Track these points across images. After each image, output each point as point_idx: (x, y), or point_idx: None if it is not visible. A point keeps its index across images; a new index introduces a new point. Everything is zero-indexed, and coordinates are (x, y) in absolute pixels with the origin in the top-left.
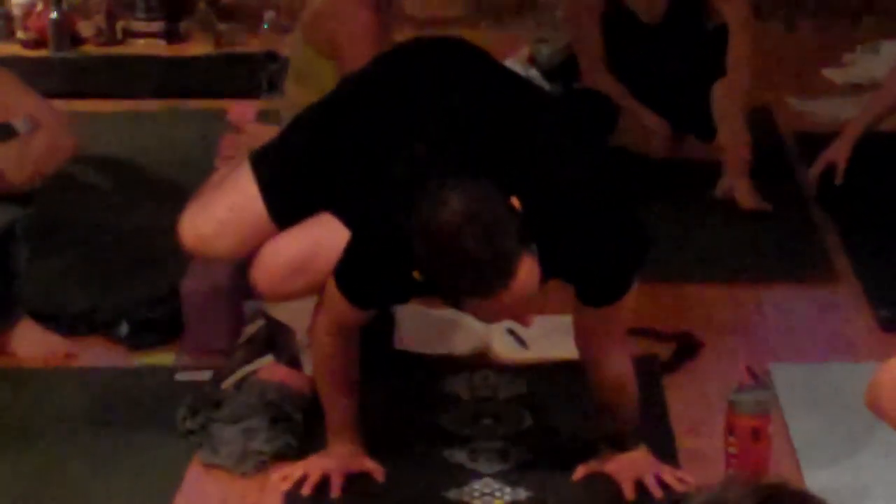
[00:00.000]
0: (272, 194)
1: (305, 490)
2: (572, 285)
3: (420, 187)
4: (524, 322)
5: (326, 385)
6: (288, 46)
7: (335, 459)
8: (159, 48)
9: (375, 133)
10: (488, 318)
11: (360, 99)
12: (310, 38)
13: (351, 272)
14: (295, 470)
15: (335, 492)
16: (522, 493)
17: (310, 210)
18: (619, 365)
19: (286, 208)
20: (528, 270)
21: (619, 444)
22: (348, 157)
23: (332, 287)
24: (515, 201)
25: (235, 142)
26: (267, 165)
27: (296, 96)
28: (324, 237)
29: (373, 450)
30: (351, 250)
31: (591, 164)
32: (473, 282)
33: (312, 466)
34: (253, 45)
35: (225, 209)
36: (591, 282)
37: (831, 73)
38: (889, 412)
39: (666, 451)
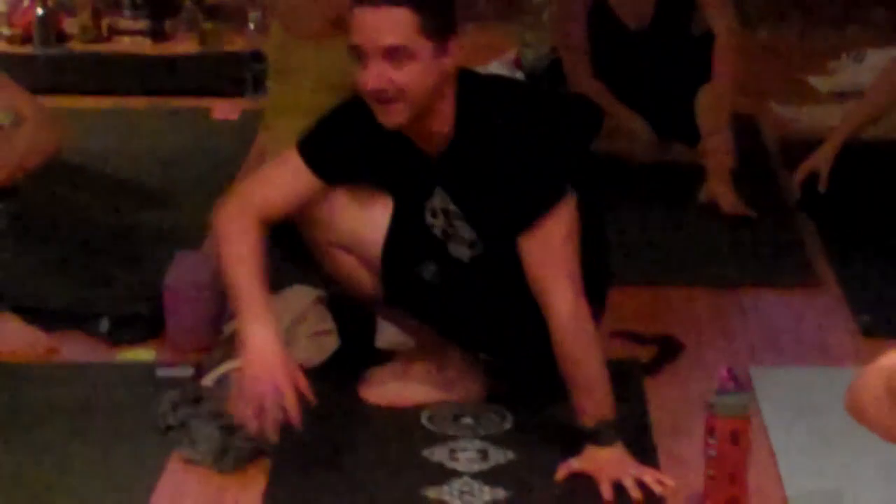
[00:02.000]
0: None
1: (272, 432)
2: (499, 207)
3: None
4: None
5: (242, 275)
6: (267, 45)
7: (270, 373)
8: (144, 46)
9: None
10: (360, 54)
11: None
12: (289, 24)
13: (316, 133)
14: (249, 407)
15: (295, 421)
16: (501, 493)
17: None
18: (569, 312)
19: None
20: (418, 31)
21: (596, 438)
22: None
23: (282, 159)
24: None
25: None
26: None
27: (277, 93)
28: None
29: (352, 447)
30: (321, 120)
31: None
32: None
33: (258, 395)
34: (238, 45)
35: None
36: (514, 191)
37: (816, 81)
38: (869, 416)
39: (646, 452)
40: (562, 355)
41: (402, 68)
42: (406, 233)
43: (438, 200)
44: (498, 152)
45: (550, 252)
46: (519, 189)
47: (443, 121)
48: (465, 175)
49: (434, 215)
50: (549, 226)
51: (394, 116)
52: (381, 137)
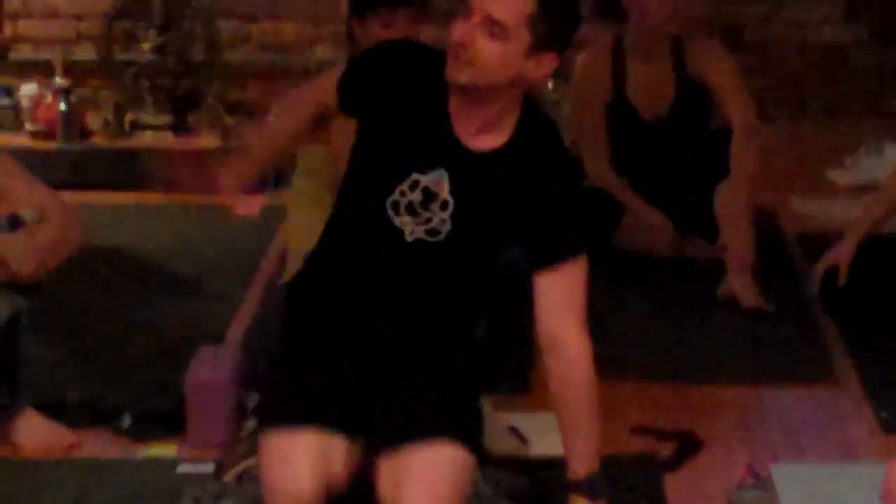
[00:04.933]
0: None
1: None
2: (535, 250)
3: None
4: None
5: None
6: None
7: None
8: (167, 141)
9: None
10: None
11: None
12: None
13: (359, 61)
14: None
15: None
16: None
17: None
18: (581, 350)
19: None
20: (527, 21)
21: (590, 489)
22: None
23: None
24: None
25: None
26: None
27: (303, 188)
28: None
29: None
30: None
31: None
32: None
33: None
34: None
35: None
36: (552, 231)
37: (835, 175)
38: None
39: None
40: (568, 396)
41: (490, 40)
42: None
43: (432, 180)
44: (554, 176)
45: (573, 294)
46: (567, 222)
47: (495, 123)
48: (505, 178)
49: (412, 189)
50: (577, 268)
51: (458, 74)
52: (423, 90)
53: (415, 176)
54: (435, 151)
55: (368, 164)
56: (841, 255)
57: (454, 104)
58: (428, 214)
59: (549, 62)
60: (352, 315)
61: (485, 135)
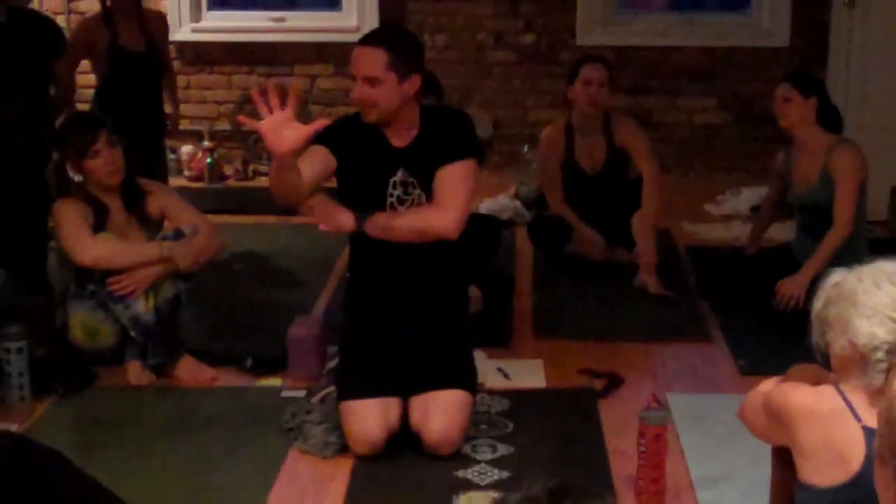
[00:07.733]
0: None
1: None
2: (446, 154)
3: None
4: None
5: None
6: None
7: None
8: None
9: None
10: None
11: None
12: None
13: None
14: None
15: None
16: (505, 474)
17: None
18: (449, 224)
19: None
20: (387, 67)
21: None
22: None
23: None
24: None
25: None
26: None
27: None
28: None
29: (397, 443)
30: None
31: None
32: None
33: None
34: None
35: None
36: (455, 138)
37: (710, 208)
38: (751, 423)
39: (599, 449)
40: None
41: (374, 89)
42: None
43: (400, 176)
44: (444, 137)
45: (450, 181)
46: (450, 147)
47: (410, 124)
48: (424, 156)
49: (394, 187)
50: (457, 167)
51: (369, 116)
52: (365, 136)
53: (392, 179)
54: (393, 160)
55: (356, 192)
56: (799, 287)
57: (386, 131)
58: (410, 197)
59: (415, 80)
60: (386, 297)
61: (406, 132)
